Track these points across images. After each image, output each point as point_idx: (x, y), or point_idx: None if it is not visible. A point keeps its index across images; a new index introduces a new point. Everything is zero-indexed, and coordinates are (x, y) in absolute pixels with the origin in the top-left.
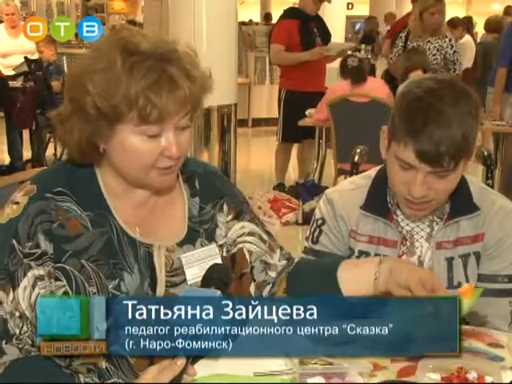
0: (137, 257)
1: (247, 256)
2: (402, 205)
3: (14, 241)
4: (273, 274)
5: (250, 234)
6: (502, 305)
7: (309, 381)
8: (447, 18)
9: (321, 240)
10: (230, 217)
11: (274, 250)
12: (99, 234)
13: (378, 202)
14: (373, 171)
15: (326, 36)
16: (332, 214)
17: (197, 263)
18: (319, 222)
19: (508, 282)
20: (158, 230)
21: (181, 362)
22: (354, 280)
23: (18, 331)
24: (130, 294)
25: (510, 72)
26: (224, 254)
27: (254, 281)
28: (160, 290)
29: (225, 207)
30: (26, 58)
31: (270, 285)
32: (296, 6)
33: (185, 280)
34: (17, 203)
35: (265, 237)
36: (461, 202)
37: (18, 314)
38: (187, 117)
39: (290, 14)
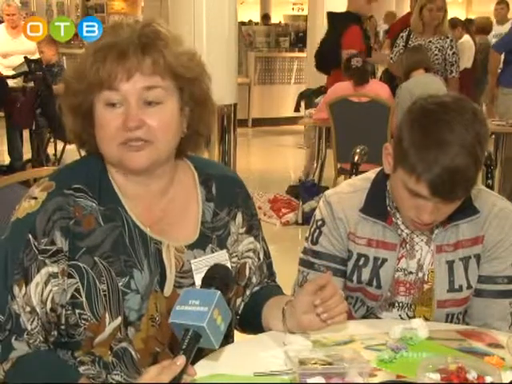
0: (147, 252)
1: (247, 272)
2: (406, 221)
3: (31, 235)
4: (247, 293)
5: (254, 251)
6: (502, 306)
7: (309, 381)
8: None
9: (320, 241)
10: (243, 230)
11: (260, 271)
12: (111, 228)
13: (377, 205)
14: (372, 173)
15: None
16: (331, 216)
17: (206, 269)
18: (319, 223)
19: (508, 282)
20: (169, 230)
21: (181, 362)
22: (270, 316)
23: (29, 326)
24: (139, 291)
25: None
26: (233, 263)
27: (242, 296)
28: (167, 290)
29: (238, 218)
30: (25, 58)
31: (243, 303)
32: (351, 11)
33: (193, 284)
34: (35, 198)
35: (260, 256)
36: (460, 206)
37: (28, 309)
38: (155, 91)
39: (353, 19)
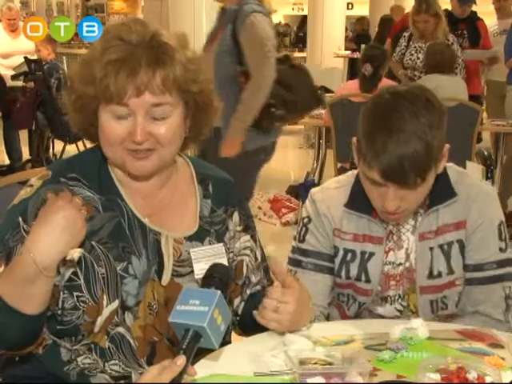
0: (146, 243)
1: (244, 269)
2: (379, 213)
3: (21, 219)
4: (248, 292)
5: (251, 249)
6: (494, 291)
7: (309, 381)
8: None
9: (307, 239)
10: (240, 228)
11: (259, 270)
12: (110, 217)
13: (361, 199)
14: (356, 170)
15: (475, 38)
16: (316, 213)
17: (204, 259)
18: (305, 220)
19: (496, 268)
20: (167, 222)
21: (181, 362)
22: None
23: None
24: (137, 276)
25: None
26: (229, 259)
27: (241, 296)
28: (166, 278)
29: (235, 216)
30: (25, 58)
31: (243, 303)
32: (448, 9)
33: (191, 272)
34: (31, 186)
35: (258, 255)
36: (439, 190)
37: None
38: (163, 107)
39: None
